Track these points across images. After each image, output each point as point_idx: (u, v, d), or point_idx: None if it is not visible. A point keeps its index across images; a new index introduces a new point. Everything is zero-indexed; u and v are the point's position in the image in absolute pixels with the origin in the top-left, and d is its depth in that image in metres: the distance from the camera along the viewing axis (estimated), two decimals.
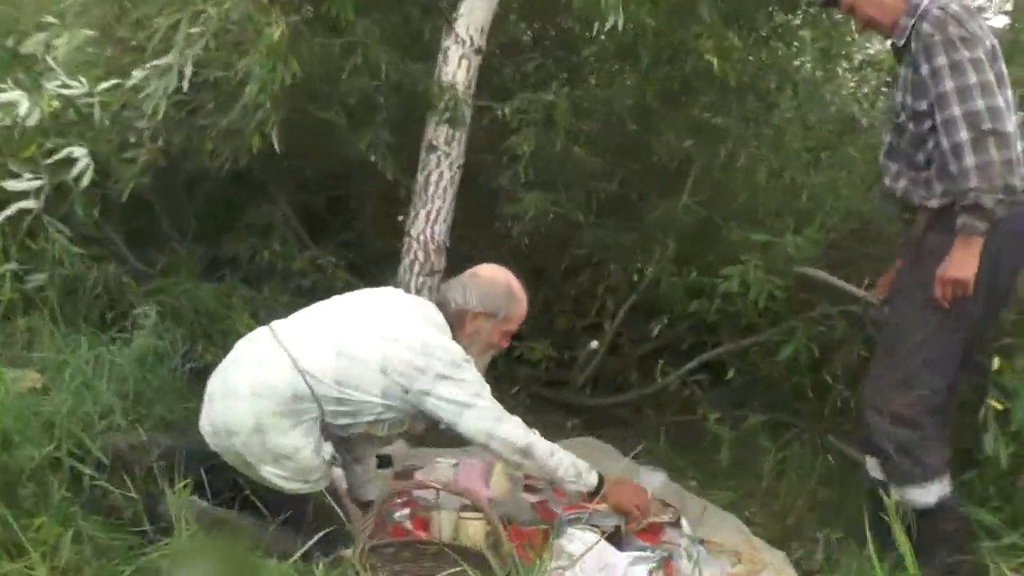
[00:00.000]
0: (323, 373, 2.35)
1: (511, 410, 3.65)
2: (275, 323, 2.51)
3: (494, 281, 2.60)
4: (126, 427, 2.47)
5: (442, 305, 2.56)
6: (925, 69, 2.40)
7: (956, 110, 2.34)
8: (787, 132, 3.81)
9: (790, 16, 3.97)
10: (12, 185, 2.93)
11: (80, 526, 2.11)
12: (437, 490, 2.65)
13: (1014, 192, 2.36)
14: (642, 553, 2.70)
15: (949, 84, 2.36)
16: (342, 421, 2.43)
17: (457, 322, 2.54)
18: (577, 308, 4.28)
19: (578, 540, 2.59)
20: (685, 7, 3.68)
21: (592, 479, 2.53)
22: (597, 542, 2.58)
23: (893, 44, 2.60)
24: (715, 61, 3.59)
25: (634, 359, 4.20)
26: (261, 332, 2.51)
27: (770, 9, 3.89)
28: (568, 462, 2.51)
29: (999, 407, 2.36)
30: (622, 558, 2.65)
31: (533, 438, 2.48)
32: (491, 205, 4.06)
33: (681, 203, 3.92)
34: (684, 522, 2.87)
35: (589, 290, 4.19)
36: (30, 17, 3.45)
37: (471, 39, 3.68)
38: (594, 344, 4.11)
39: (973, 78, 2.34)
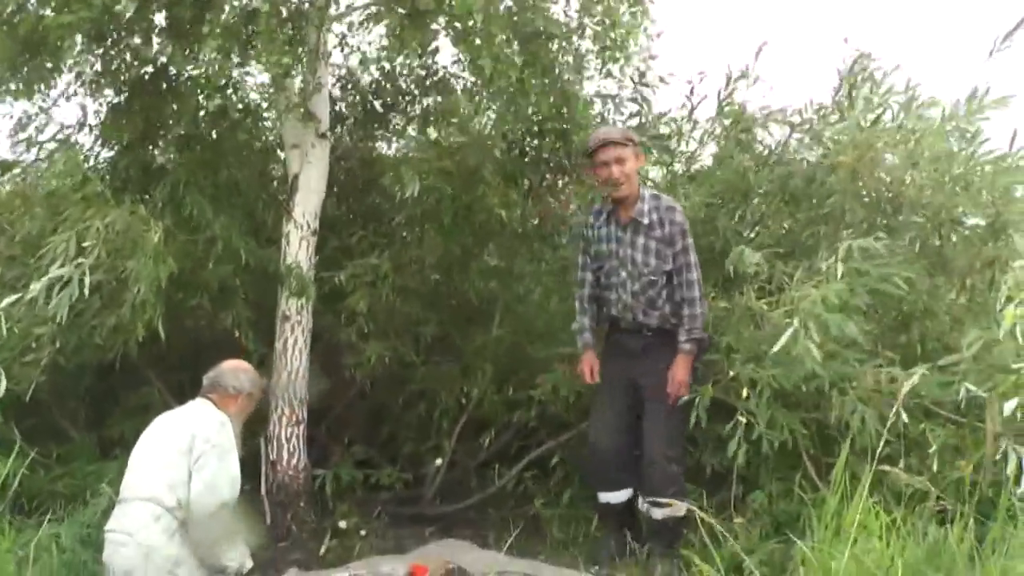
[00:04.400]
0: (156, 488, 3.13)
1: (374, 531, 4.34)
2: None
3: (248, 369, 3.57)
4: None
5: (216, 386, 3.44)
6: (679, 245, 3.68)
7: (693, 275, 3.74)
8: (568, 268, 4.69)
9: (558, 176, 4.99)
10: None
11: None
12: None
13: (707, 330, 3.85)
14: None
15: (692, 258, 3.74)
16: None
17: (232, 399, 3.45)
18: (419, 434, 4.93)
19: None
20: (473, 173, 4.60)
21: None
22: None
23: (631, 217, 3.79)
24: (502, 212, 4.53)
25: (472, 468, 4.90)
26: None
27: (542, 170, 4.83)
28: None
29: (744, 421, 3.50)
30: None
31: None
32: (336, 357, 4.71)
33: (492, 335, 4.81)
34: None
35: (427, 417, 4.87)
36: None
37: (307, 223, 4.41)
38: (438, 462, 4.78)
39: (694, 257, 3.76)
